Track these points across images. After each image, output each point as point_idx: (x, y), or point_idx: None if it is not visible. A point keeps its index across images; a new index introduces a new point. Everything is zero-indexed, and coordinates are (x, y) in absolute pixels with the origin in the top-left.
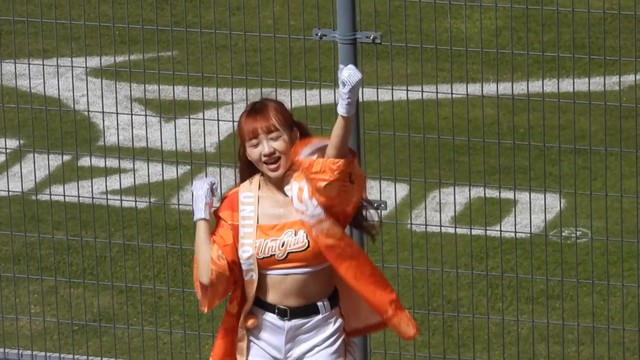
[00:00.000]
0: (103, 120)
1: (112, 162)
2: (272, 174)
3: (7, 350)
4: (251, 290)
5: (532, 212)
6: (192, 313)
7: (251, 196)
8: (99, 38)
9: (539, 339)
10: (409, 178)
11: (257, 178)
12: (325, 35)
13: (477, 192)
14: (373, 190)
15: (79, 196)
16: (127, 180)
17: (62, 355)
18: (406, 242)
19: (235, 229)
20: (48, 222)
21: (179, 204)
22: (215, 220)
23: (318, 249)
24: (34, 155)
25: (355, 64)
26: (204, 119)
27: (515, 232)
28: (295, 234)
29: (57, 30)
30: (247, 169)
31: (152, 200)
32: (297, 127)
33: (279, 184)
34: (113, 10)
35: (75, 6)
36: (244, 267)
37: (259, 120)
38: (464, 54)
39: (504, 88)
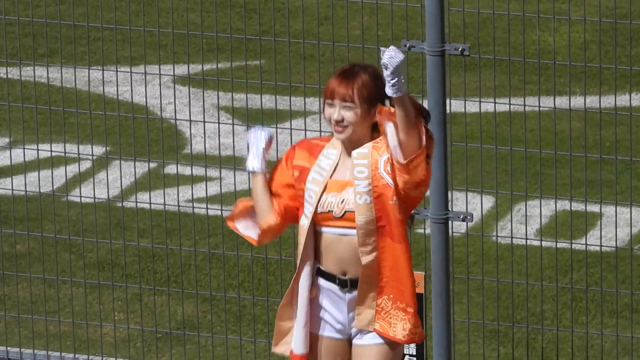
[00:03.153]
0: (190, 128)
1: (198, 170)
2: (336, 135)
3: (90, 356)
4: (302, 238)
5: (618, 225)
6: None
7: (334, 154)
8: (187, 46)
9: (623, 353)
10: (495, 190)
11: None
12: (414, 47)
13: (563, 205)
14: (459, 202)
15: (164, 204)
16: (213, 189)
17: None
18: (491, 254)
19: (304, 172)
20: (133, 230)
21: None
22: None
23: (377, 208)
24: (120, 163)
25: (444, 76)
26: (291, 129)
27: (601, 245)
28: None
29: (145, 38)
30: None
31: None
32: (384, 102)
33: (352, 146)
34: (201, 19)
35: (163, 14)
36: (304, 210)
37: (341, 85)
38: (551, 67)
39: (591, 101)
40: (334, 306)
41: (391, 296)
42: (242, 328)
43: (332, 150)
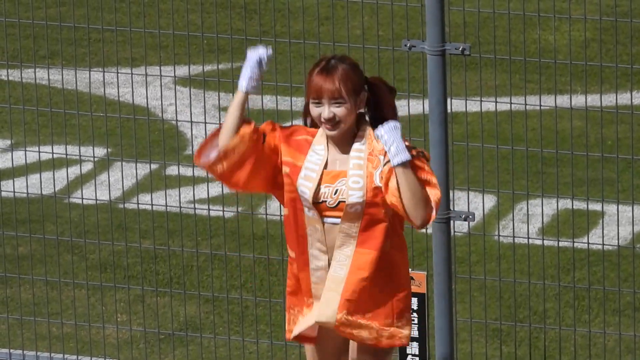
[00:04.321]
0: (191, 129)
1: (199, 172)
2: (328, 133)
3: (93, 358)
4: (317, 228)
5: (620, 224)
6: (278, 323)
7: (321, 149)
8: (188, 47)
9: (626, 352)
10: (497, 189)
11: None
12: (415, 46)
13: (565, 203)
14: (461, 201)
15: (166, 205)
16: (214, 190)
17: None
18: (493, 253)
19: (295, 170)
20: (135, 231)
21: (266, 214)
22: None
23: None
24: (121, 164)
25: (444, 75)
26: None
27: (603, 244)
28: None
29: (145, 39)
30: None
31: (240, 209)
32: (370, 87)
33: (341, 137)
34: (202, 19)
35: (164, 15)
36: (304, 203)
37: (327, 82)
38: (552, 65)
39: (592, 100)
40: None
41: (348, 312)
42: (244, 329)
43: (319, 146)
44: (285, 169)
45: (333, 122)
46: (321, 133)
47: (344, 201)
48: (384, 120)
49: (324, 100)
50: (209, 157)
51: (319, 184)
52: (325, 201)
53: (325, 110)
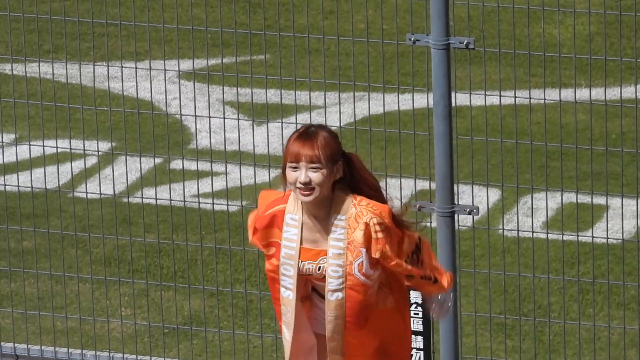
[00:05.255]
0: (195, 123)
1: (203, 166)
2: (302, 199)
3: (98, 352)
4: (289, 309)
5: (624, 217)
6: None
7: (296, 219)
8: (192, 41)
9: (630, 345)
10: (501, 183)
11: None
12: (419, 40)
13: (569, 197)
14: (465, 195)
15: (170, 199)
16: (218, 184)
17: (153, 358)
18: (498, 247)
19: (278, 248)
20: (139, 225)
21: None
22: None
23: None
24: (125, 158)
25: (449, 69)
26: (296, 123)
27: (607, 237)
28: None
29: (149, 33)
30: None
31: (244, 203)
32: (345, 159)
33: (316, 206)
34: (206, 13)
35: (168, 9)
36: (282, 283)
37: (305, 147)
38: (556, 59)
39: (597, 94)
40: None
41: None
42: (249, 323)
43: (294, 216)
44: (272, 250)
45: (309, 187)
46: (294, 203)
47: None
48: (359, 191)
49: (302, 164)
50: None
51: (298, 258)
52: (311, 274)
53: (302, 175)
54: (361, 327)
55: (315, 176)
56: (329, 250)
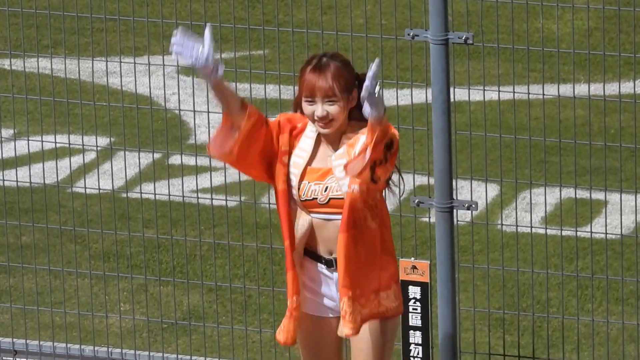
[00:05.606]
0: (194, 118)
1: (202, 161)
2: (321, 130)
3: (96, 347)
4: (301, 220)
5: (623, 213)
6: (281, 312)
7: (312, 137)
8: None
9: (629, 340)
10: (500, 178)
11: None
12: (418, 36)
13: (568, 192)
14: (464, 190)
15: (169, 194)
16: (217, 179)
17: (151, 354)
18: (496, 242)
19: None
20: (138, 220)
21: (269, 203)
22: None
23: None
24: (124, 153)
25: (447, 64)
26: None
27: (606, 233)
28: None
29: (148, 28)
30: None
31: (243, 198)
32: (361, 83)
33: (329, 135)
34: (205, 8)
35: (167, 4)
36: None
37: (320, 80)
38: (555, 54)
39: (595, 89)
40: (325, 286)
41: (350, 295)
42: (247, 318)
43: (308, 141)
44: (285, 158)
45: (326, 120)
46: (311, 128)
47: (335, 198)
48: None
49: (317, 98)
50: (224, 146)
51: (303, 176)
52: (316, 198)
53: (318, 109)
54: (352, 227)
55: (332, 109)
56: (333, 155)
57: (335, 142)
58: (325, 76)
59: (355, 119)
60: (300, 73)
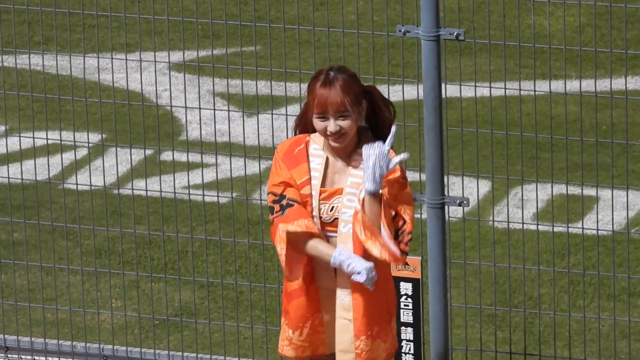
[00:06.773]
0: (185, 114)
1: (194, 157)
2: (334, 144)
3: (88, 344)
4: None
5: (615, 209)
6: (273, 308)
7: (321, 155)
8: (182, 32)
9: (620, 337)
10: (491, 174)
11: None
12: (409, 32)
13: (559, 189)
14: (455, 186)
15: (161, 191)
16: (209, 175)
17: (143, 350)
18: (488, 239)
19: (306, 180)
20: (130, 217)
21: (261, 199)
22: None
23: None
24: (116, 150)
25: (439, 61)
26: (286, 114)
27: (598, 229)
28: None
29: (140, 25)
30: (311, 124)
31: (234, 195)
32: (366, 96)
33: (340, 149)
34: (196, 5)
35: (158, 1)
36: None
37: (331, 96)
38: (546, 50)
39: (587, 85)
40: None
41: (370, 333)
42: (239, 314)
43: (316, 152)
44: (305, 191)
45: (339, 134)
46: (315, 146)
47: (339, 218)
48: (379, 126)
49: (329, 114)
50: (298, 273)
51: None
52: (322, 217)
53: (331, 124)
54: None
55: (345, 123)
56: (348, 179)
57: (344, 158)
58: (335, 92)
59: (363, 133)
60: (308, 90)
